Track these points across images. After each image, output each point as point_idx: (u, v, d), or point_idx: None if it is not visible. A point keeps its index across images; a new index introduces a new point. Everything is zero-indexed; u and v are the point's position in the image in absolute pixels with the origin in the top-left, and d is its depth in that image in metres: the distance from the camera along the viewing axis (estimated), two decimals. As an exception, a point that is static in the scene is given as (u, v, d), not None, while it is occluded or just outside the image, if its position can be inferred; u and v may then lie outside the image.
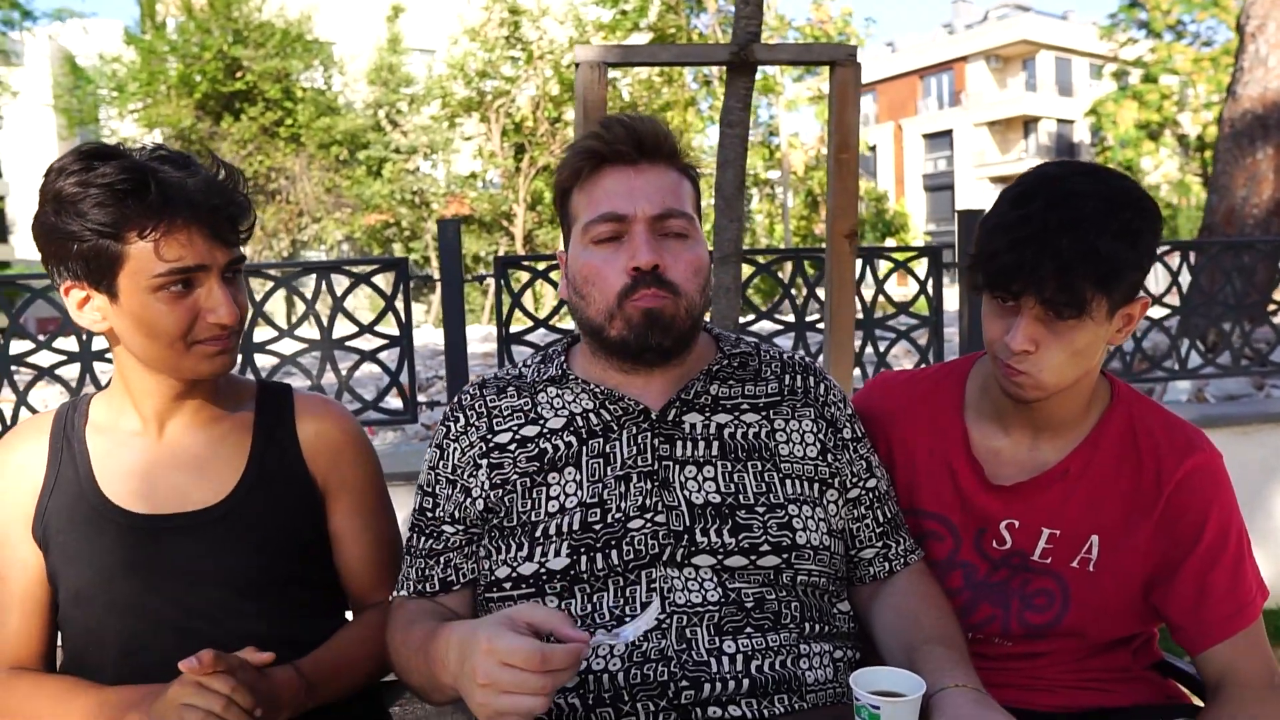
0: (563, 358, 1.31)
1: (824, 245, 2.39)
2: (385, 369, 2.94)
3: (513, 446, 1.24)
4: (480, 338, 9.56)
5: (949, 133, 39.87)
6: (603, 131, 1.20)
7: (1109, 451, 1.29)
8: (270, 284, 2.92)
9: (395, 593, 1.29)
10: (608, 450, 1.22)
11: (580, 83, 2.20)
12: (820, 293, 2.70)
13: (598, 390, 1.24)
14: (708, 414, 1.25)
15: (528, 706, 0.90)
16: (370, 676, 1.31)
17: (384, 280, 3.04)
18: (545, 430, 1.24)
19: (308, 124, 21.99)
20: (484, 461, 1.24)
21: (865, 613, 1.30)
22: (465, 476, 1.24)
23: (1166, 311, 3.69)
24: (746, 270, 3.14)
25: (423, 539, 1.27)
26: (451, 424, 1.29)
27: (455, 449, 1.26)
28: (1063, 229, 1.12)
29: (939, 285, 3.20)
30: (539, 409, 1.26)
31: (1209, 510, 1.23)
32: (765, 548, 1.18)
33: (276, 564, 1.26)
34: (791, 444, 1.26)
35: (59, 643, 1.28)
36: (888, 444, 1.40)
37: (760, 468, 1.22)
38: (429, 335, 9.87)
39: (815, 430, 1.28)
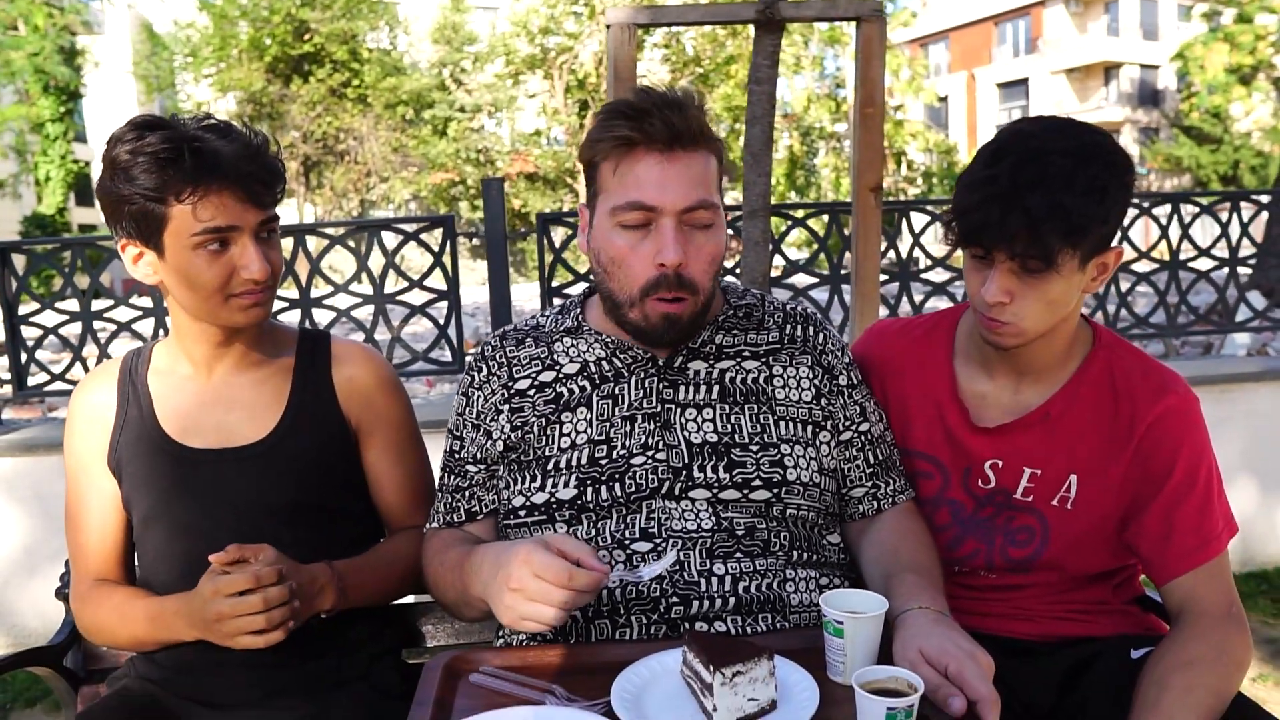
0: (579, 310, 1.41)
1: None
2: (434, 322, 3.09)
3: (531, 391, 1.35)
4: (531, 295, 9.75)
5: (1025, 81, 38.42)
6: (639, 117, 1.22)
7: (1088, 395, 1.34)
8: (326, 242, 3.08)
9: (428, 525, 1.43)
10: (617, 392, 1.32)
11: (611, 43, 2.28)
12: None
13: (610, 340, 1.35)
14: (711, 361, 1.34)
15: (548, 616, 1.03)
16: (401, 586, 1.44)
17: (432, 238, 3.18)
18: (561, 375, 1.35)
19: (374, 84, 22.32)
20: (505, 407, 1.35)
21: (854, 546, 1.39)
22: (487, 421, 1.36)
23: (1214, 264, 3.62)
24: (781, 224, 3.20)
25: (451, 477, 1.40)
26: (475, 374, 1.41)
27: (479, 396, 1.39)
28: (1030, 186, 1.17)
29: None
30: (555, 357, 1.37)
31: (1179, 450, 1.28)
32: (757, 483, 1.27)
33: (314, 495, 1.40)
34: (788, 388, 1.35)
35: (136, 562, 1.44)
36: (883, 388, 1.47)
37: (756, 410, 1.32)
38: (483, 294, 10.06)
39: (811, 376, 1.37)
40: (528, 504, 1.30)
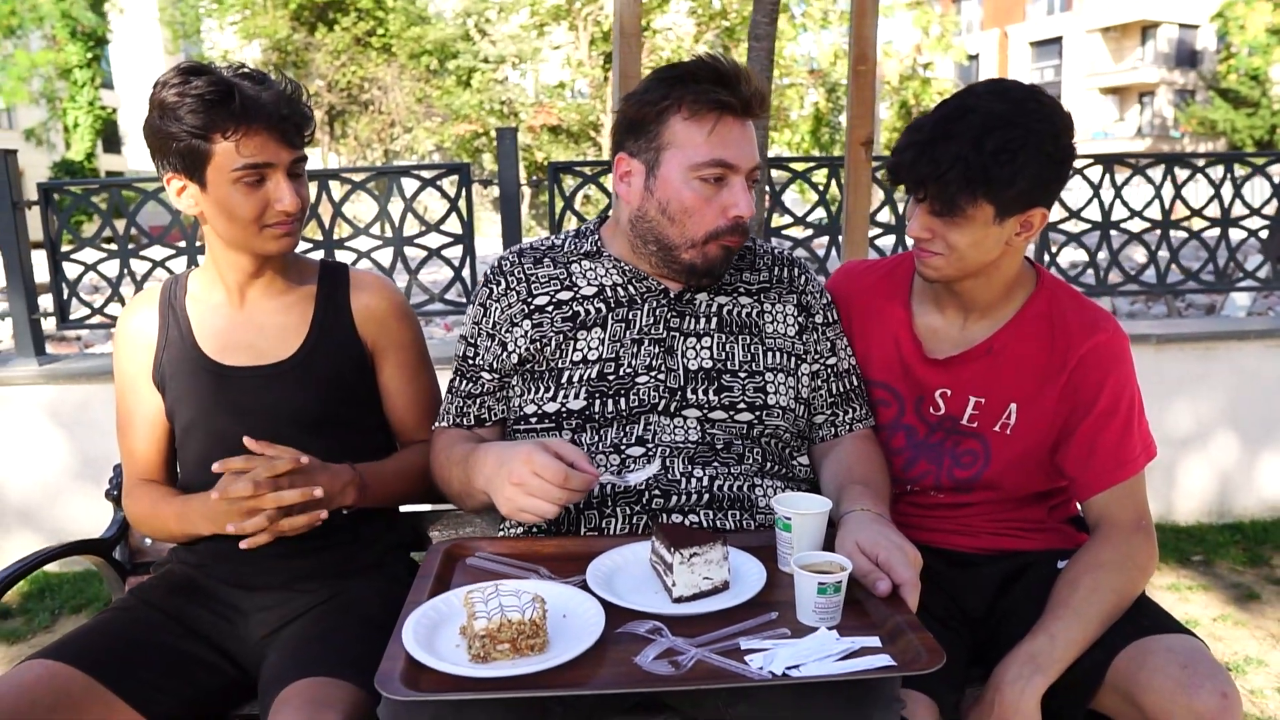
0: (596, 235, 1.55)
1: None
2: (450, 264, 3.25)
3: (550, 308, 1.49)
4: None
5: (1058, 40, 37.58)
6: (731, 85, 1.36)
7: (1028, 331, 1.49)
8: (348, 187, 3.23)
9: (437, 424, 1.59)
10: (630, 317, 1.48)
11: (617, 3, 2.39)
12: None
13: (627, 268, 1.49)
14: (711, 294, 1.51)
15: (542, 509, 1.21)
16: (413, 491, 1.61)
17: (450, 185, 3.33)
18: (579, 296, 1.50)
19: (399, 34, 22.24)
20: (525, 322, 1.49)
21: (817, 466, 1.55)
22: (503, 332, 1.51)
23: (1205, 224, 3.70)
24: (783, 177, 3.31)
25: (463, 382, 1.56)
26: (493, 286, 1.55)
27: (496, 308, 1.53)
28: (945, 138, 1.31)
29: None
30: (574, 278, 1.52)
31: (1105, 381, 1.42)
32: (741, 406, 1.45)
33: (335, 408, 1.57)
34: (776, 323, 1.52)
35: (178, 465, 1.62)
36: (849, 321, 1.62)
37: (748, 341, 1.49)
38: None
39: (794, 314, 1.54)
40: (539, 412, 1.46)
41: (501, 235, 3.18)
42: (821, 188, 3.18)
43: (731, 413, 1.44)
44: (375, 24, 22.22)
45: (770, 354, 1.49)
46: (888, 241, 3.38)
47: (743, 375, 1.47)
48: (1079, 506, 1.48)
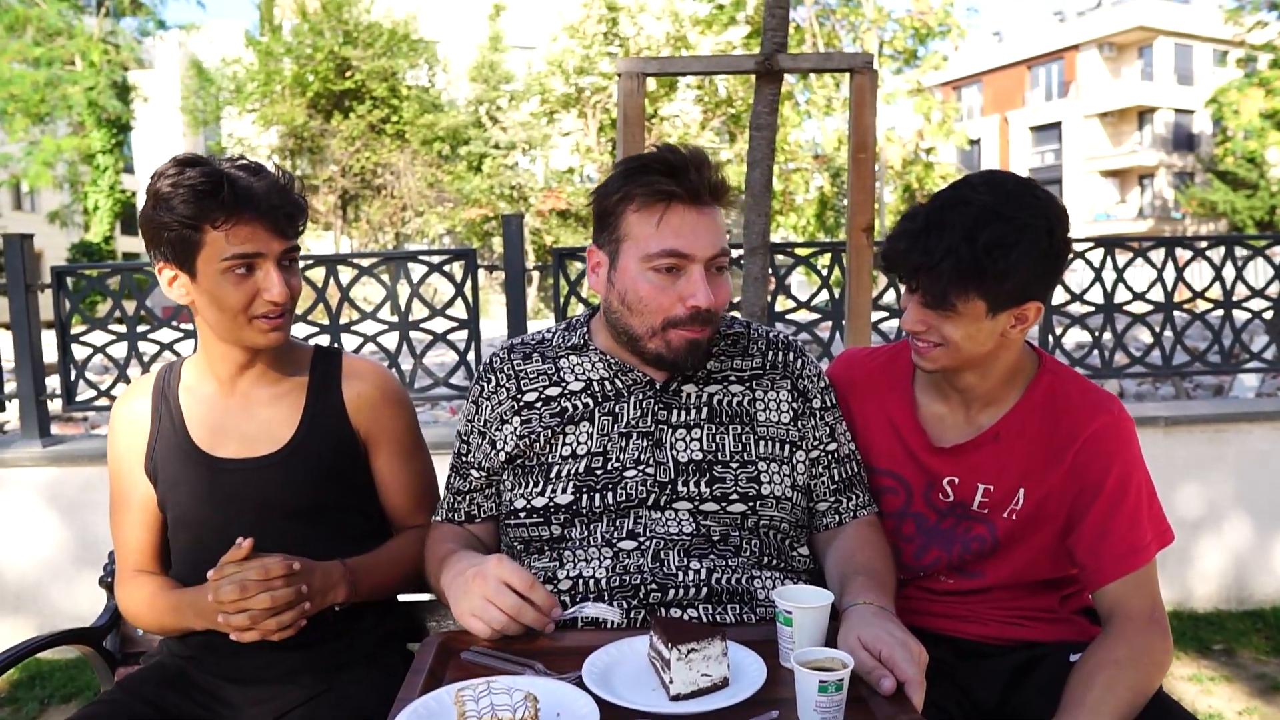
0: (585, 328, 1.55)
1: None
2: (455, 349, 3.27)
3: (539, 404, 1.49)
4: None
5: (1058, 125, 38.40)
6: (676, 173, 1.36)
7: (1033, 416, 1.47)
8: (355, 272, 3.28)
9: (434, 516, 1.60)
10: (617, 410, 1.47)
11: (621, 91, 2.46)
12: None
13: (613, 361, 1.49)
14: (701, 385, 1.49)
15: (493, 615, 1.23)
16: (406, 581, 1.59)
17: (456, 270, 3.37)
18: (567, 391, 1.50)
19: (412, 121, 22.83)
20: (515, 418, 1.49)
21: (820, 554, 1.52)
22: (493, 430, 1.51)
23: (1209, 305, 3.71)
24: (786, 261, 3.35)
25: (456, 478, 1.57)
26: (484, 384, 1.56)
27: (487, 406, 1.54)
28: (937, 229, 1.32)
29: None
30: (561, 373, 1.51)
31: (1112, 463, 1.40)
32: (734, 497, 1.43)
33: (327, 498, 1.55)
34: (768, 410, 1.50)
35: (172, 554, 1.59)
36: (850, 409, 1.61)
37: (739, 430, 1.47)
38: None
39: (789, 399, 1.52)
40: (528, 506, 1.45)
41: (507, 319, 3.21)
42: (825, 271, 3.21)
43: (724, 504, 1.42)
44: (390, 111, 22.83)
45: (763, 443, 1.47)
46: (892, 325, 3.39)
47: (734, 466, 1.45)
48: (1090, 597, 1.45)
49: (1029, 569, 1.49)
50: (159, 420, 1.54)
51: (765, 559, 1.43)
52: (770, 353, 1.56)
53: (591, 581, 1.38)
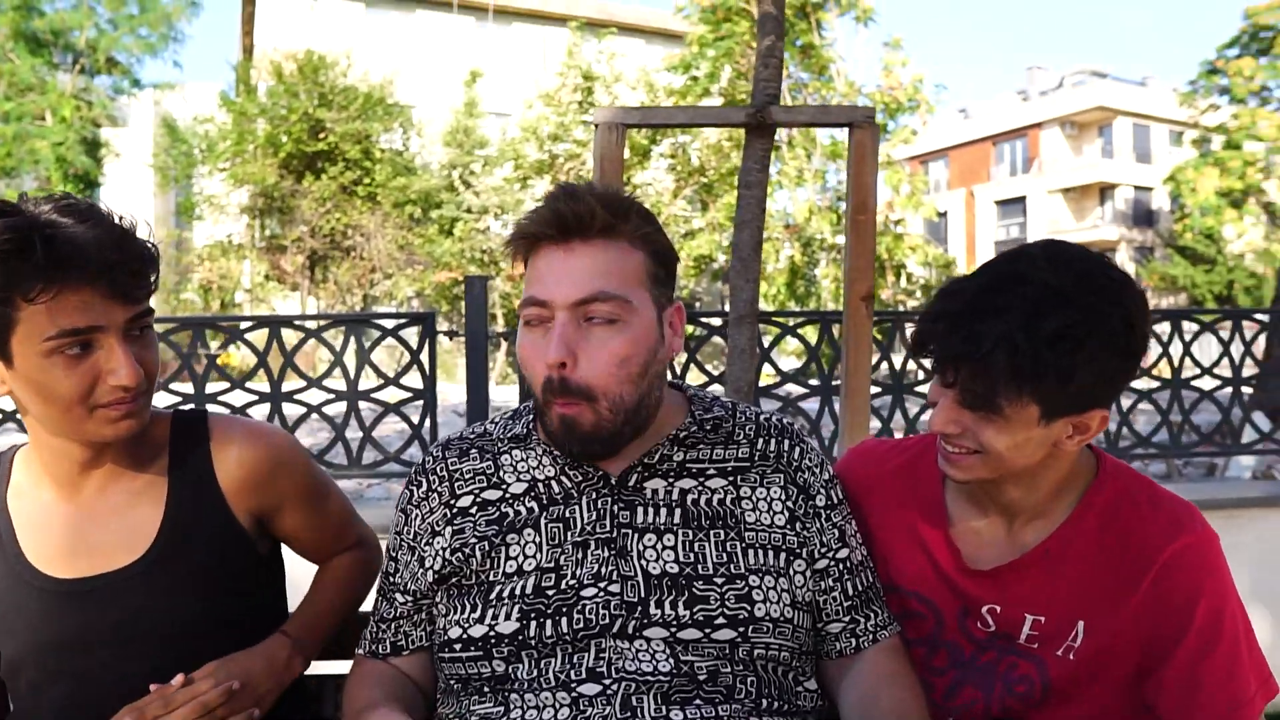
0: (530, 416, 1.29)
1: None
2: (408, 421, 2.98)
3: (474, 510, 1.23)
4: (514, 397, 9.65)
5: (1022, 199, 39.29)
6: (541, 208, 1.16)
7: (1092, 531, 1.21)
8: (300, 335, 3.00)
9: (357, 649, 1.31)
10: (568, 515, 1.20)
11: (599, 144, 2.23)
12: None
13: (559, 455, 1.22)
14: (671, 479, 1.22)
15: None
16: (350, 610, 1.40)
17: (411, 335, 3.10)
18: (507, 495, 1.23)
19: (384, 183, 22.74)
20: (446, 528, 1.23)
21: (833, 690, 1.24)
22: (422, 544, 1.24)
23: (1217, 383, 3.52)
24: (772, 332, 3.11)
25: (381, 602, 1.29)
26: (414, 489, 1.29)
27: (416, 515, 1.27)
28: (987, 312, 1.05)
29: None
30: (501, 472, 1.25)
31: (1199, 594, 1.14)
32: (720, 620, 1.14)
33: (209, 607, 1.24)
34: (758, 511, 1.22)
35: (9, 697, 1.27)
36: (865, 516, 1.34)
37: (723, 536, 1.19)
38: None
39: (784, 497, 1.24)
40: (464, 636, 1.16)
41: (466, 387, 2.93)
42: (815, 343, 2.98)
43: (708, 630, 1.13)
44: (362, 173, 22.71)
45: (753, 552, 1.19)
46: (883, 402, 3.16)
47: (719, 582, 1.16)
48: None
49: (1090, 719, 1.21)
50: None
51: (765, 701, 1.13)
52: (760, 440, 1.27)
53: None
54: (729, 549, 1.18)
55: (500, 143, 23.40)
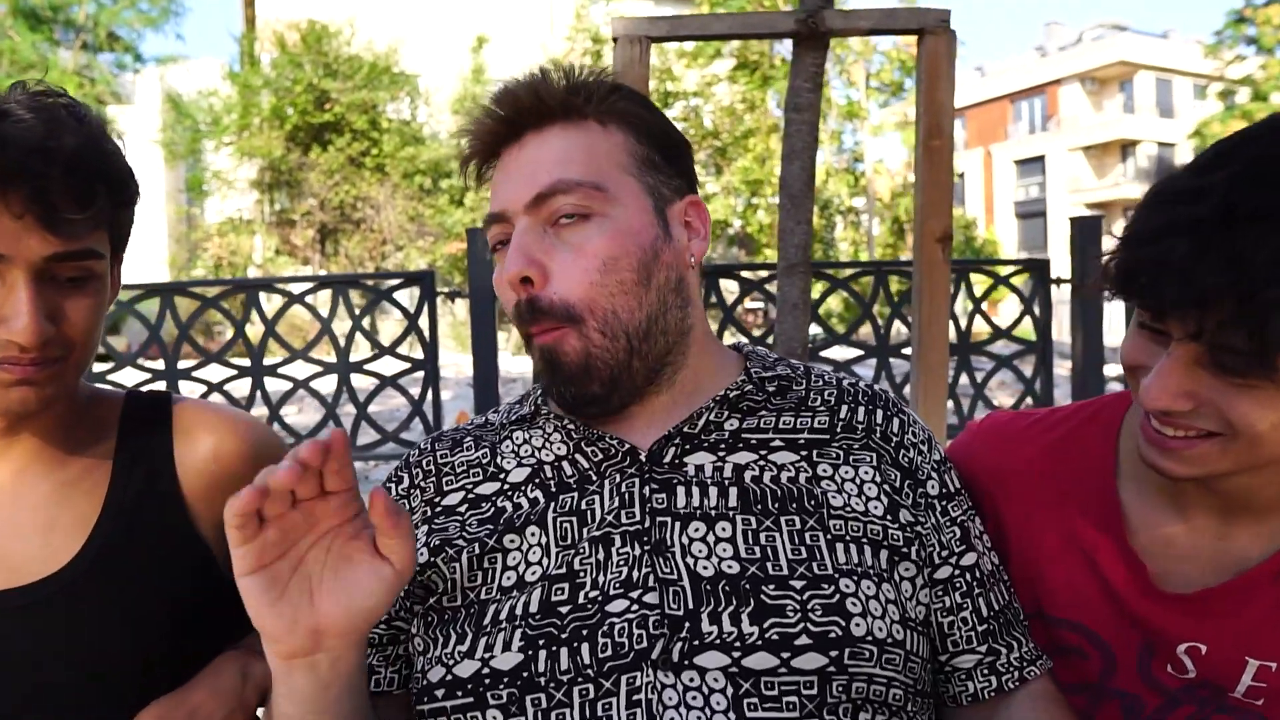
0: (538, 393, 0.98)
1: (911, 260, 2.00)
2: (407, 395, 2.64)
3: (463, 508, 0.93)
4: (526, 366, 9.22)
5: (1041, 158, 38.65)
6: (491, 109, 0.92)
7: None
8: (283, 300, 2.65)
9: None
10: (583, 506, 0.88)
11: (619, 61, 1.87)
12: (907, 314, 2.29)
13: (572, 429, 0.93)
14: (722, 453, 0.91)
15: None
16: None
17: (408, 297, 2.75)
18: (505, 486, 0.92)
19: (393, 154, 22.49)
20: (423, 527, 0.92)
21: None
22: None
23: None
24: (821, 286, 2.76)
25: None
26: (393, 485, 0.99)
27: None
28: (1254, 218, 0.69)
29: (1047, 305, 2.74)
30: (500, 459, 0.95)
31: None
32: (804, 641, 0.80)
33: (151, 644, 0.95)
34: (845, 494, 0.89)
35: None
36: (998, 519, 0.99)
37: (799, 525, 0.87)
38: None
39: (880, 480, 0.91)
40: (448, 679, 0.83)
41: (473, 356, 2.58)
42: (867, 300, 2.62)
43: (786, 654, 0.79)
44: (370, 144, 22.41)
45: (842, 546, 0.86)
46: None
47: (798, 585, 0.82)
48: None
49: None
50: None
51: None
52: (844, 408, 0.95)
53: None
54: (809, 541, 0.86)
55: (509, 110, 23.08)
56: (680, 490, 0.88)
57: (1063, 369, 3.34)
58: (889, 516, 0.89)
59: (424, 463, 0.99)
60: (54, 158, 0.82)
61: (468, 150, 0.95)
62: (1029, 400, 2.85)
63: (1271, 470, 0.82)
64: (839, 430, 0.94)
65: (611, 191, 0.89)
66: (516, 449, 0.96)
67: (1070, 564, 0.94)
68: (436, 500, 0.95)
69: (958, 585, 0.91)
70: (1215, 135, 27.01)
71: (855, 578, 0.84)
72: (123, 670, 0.93)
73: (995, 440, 1.04)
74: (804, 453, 0.92)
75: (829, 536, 0.86)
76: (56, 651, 0.91)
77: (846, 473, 0.91)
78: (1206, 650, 0.88)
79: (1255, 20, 22.35)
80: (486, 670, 0.82)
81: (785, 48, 19.02)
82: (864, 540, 0.87)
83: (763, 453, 0.91)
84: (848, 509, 0.88)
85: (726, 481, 0.89)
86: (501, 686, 0.81)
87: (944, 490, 0.94)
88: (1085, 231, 2.76)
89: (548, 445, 0.95)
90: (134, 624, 0.94)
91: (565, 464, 0.93)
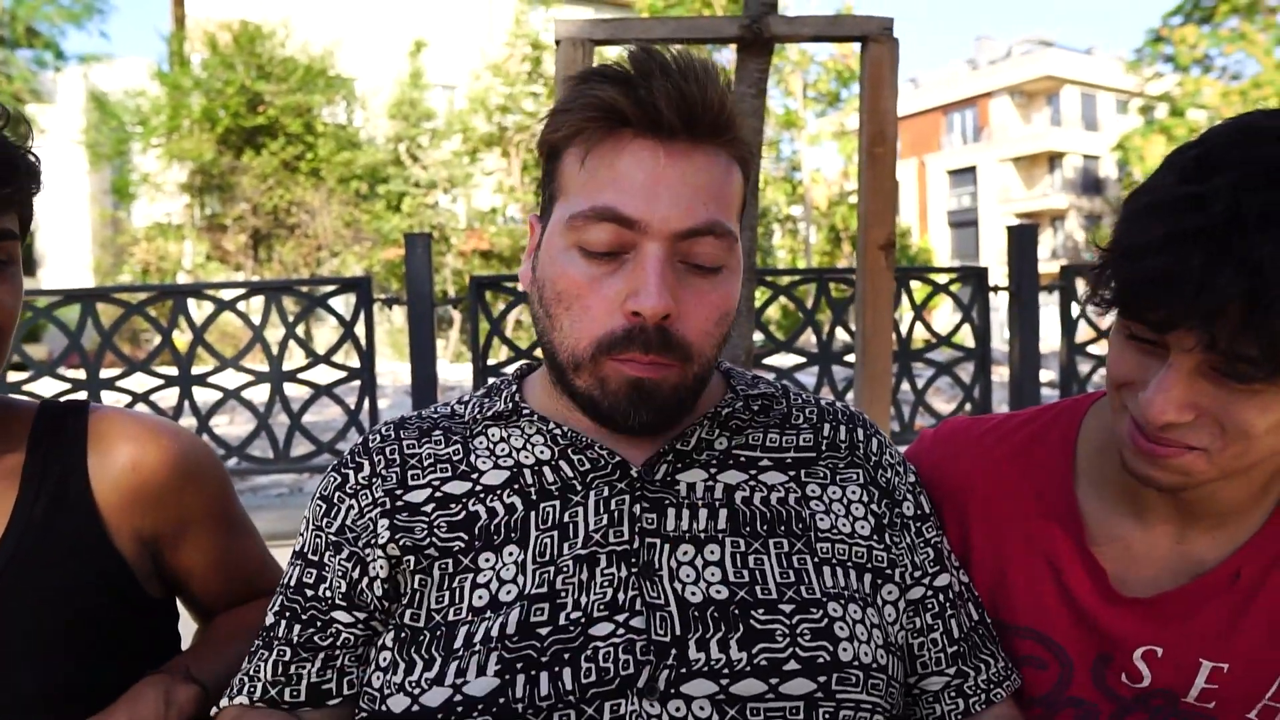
0: (514, 388, 0.93)
1: (853, 267, 2.00)
2: (343, 405, 2.57)
3: (429, 508, 0.86)
4: (464, 376, 9.06)
5: (973, 169, 39.64)
6: (629, 81, 0.80)
7: None
8: (213, 307, 2.56)
9: (226, 700, 0.89)
10: (566, 520, 0.84)
11: (560, 64, 1.84)
12: (848, 321, 2.30)
13: (559, 433, 0.87)
14: (713, 471, 0.89)
15: None
16: None
17: (343, 304, 2.68)
18: (478, 488, 0.87)
19: (328, 158, 22.09)
20: (384, 521, 0.86)
21: None
22: (361, 545, 0.87)
23: None
24: (762, 294, 2.76)
25: (296, 626, 0.88)
26: (350, 472, 0.91)
27: (350, 507, 0.89)
28: (1262, 226, 0.68)
29: (985, 312, 2.79)
30: (472, 457, 0.89)
31: None
32: (792, 666, 0.79)
33: (64, 671, 0.90)
34: (833, 515, 0.89)
35: None
36: (961, 525, 0.98)
37: (788, 548, 0.86)
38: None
39: (866, 499, 0.90)
40: (415, 708, 0.78)
41: (410, 360, 2.52)
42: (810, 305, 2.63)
43: (774, 681, 0.78)
44: (304, 148, 21.97)
45: (828, 569, 0.85)
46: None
47: (787, 609, 0.81)
48: None
49: None
50: None
51: None
52: (826, 426, 0.94)
53: None
54: (797, 565, 0.85)
55: (447, 115, 22.85)
56: (670, 512, 0.86)
57: (999, 375, 3.40)
58: (874, 538, 0.89)
59: (388, 450, 0.92)
60: None
61: (596, 110, 0.82)
62: (968, 406, 2.90)
63: (1239, 478, 0.82)
64: (824, 449, 0.94)
65: (736, 245, 0.85)
66: (492, 447, 0.91)
67: (1031, 570, 0.94)
68: (399, 494, 0.89)
69: (929, 606, 0.90)
70: (1137, 148, 28.00)
71: (843, 601, 0.84)
72: (25, 700, 0.86)
73: (954, 447, 1.03)
74: (792, 472, 0.91)
75: (816, 560, 0.86)
76: None
77: (834, 493, 0.91)
78: (1163, 653, 0.88)
79: (1172, 40, 23.26)
80: (459, 697, 0.77)
81: (723, 57, 19.21)
82: (849, 564, 0.87)
83: (752, 472, 0.90)
84: (834, 531, 0.88)
85: (717, 503, 0.87)
86: (475, 714, 0.77)
87: (919, 512, 0.94)
88: (1022, 239, 2.81)
89: (528, 447, 0.90)
90: (38, 651, 0.88)
91: (547, 469, 0.88)
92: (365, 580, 0.86)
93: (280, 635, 0.89)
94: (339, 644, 0.87)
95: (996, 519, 0.97)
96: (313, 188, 22.14)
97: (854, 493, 0.91)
